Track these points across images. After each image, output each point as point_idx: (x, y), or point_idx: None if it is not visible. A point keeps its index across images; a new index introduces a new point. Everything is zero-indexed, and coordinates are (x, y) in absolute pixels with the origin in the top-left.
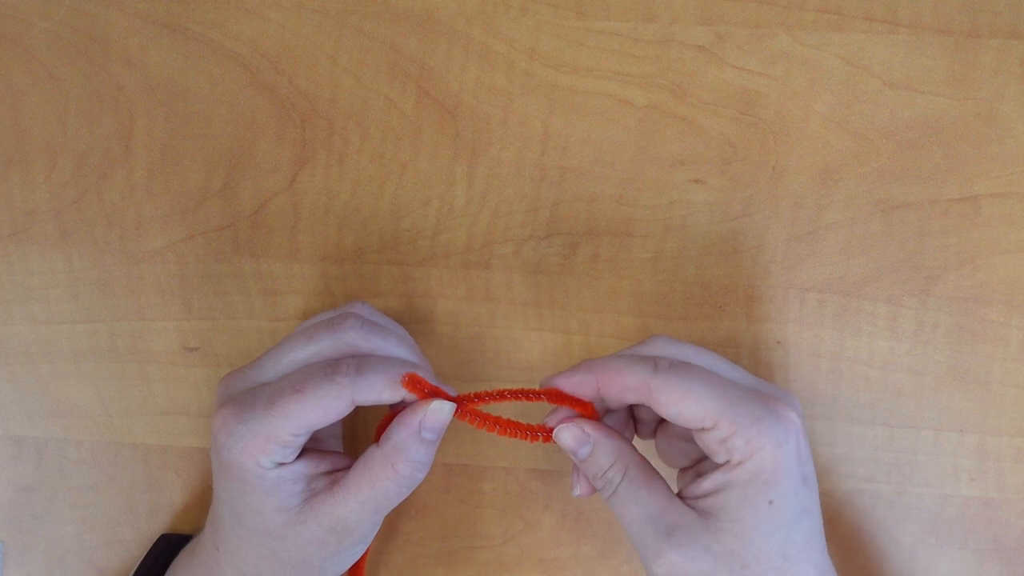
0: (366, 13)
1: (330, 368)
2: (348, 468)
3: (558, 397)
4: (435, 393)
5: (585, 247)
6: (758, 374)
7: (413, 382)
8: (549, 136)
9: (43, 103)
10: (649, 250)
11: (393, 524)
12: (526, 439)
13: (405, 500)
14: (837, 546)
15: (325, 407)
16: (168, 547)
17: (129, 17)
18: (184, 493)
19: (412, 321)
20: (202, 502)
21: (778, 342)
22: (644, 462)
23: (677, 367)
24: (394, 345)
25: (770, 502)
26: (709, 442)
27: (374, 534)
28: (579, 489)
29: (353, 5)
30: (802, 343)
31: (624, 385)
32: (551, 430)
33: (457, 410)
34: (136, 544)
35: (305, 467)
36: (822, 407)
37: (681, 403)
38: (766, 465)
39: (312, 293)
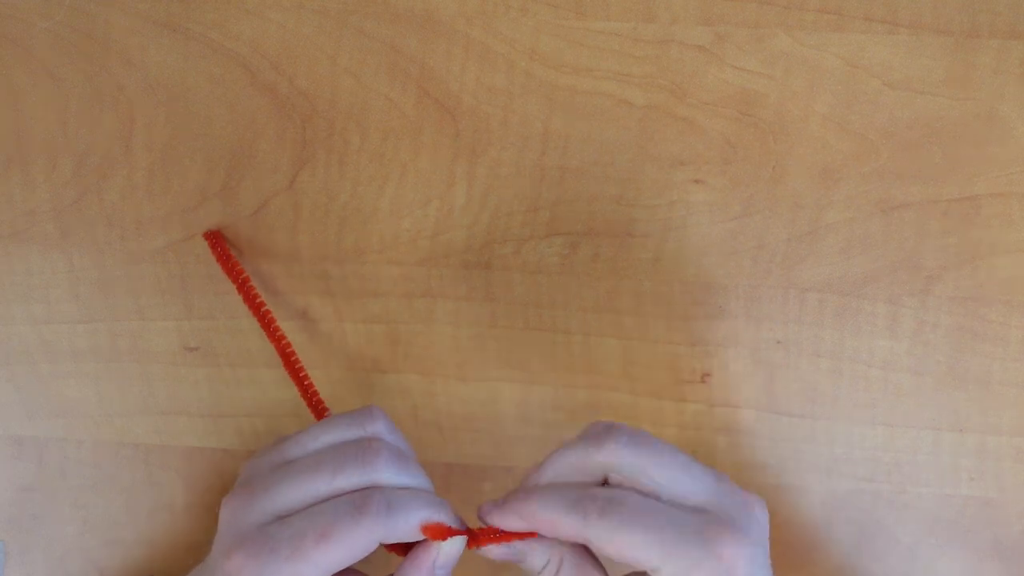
0: (366, 13)
1: (358, 506)
2: None
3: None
4: (451, 532)
5: (585, 247)
6: (758, 374)
7: (435, 532)
8: (549, 136)
9: (43, 103)
10: (649, 250)
11: None
12: None
13: None
14: (837, 546)
15: (351, 549)
16: None
17: (129, 17)
18: (184, 493)
19: (412, 321)
20: (202, 502)
21: (778, 342)
22: (583, 552)
23: (609, 512)
24: (421, 478)
25: None
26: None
27: None
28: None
29: (353, 5)
30: (802, 343)
31: (558, 533)
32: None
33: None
34: (136, 544)
35: None
36: (822, 407)
37: (620, 551)
38: None
39: (312, 293)
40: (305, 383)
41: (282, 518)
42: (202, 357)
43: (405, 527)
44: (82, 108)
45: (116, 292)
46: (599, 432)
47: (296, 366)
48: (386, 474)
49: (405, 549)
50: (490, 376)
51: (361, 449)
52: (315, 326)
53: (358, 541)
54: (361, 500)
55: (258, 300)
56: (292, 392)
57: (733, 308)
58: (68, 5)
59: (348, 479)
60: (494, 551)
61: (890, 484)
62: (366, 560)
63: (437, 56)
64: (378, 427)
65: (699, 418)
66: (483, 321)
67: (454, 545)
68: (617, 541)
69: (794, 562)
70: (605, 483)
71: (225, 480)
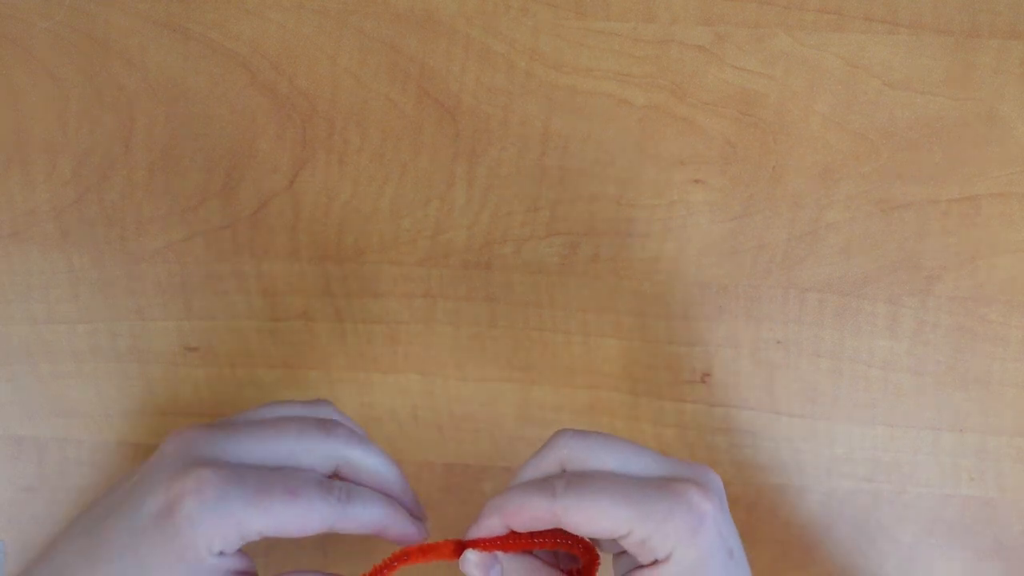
0: (366, 13)
1: (324, 485)
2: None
3: (557, 536)
4: (430, 550)
5: (585, 247)
6: (758, 374)
7: (414, 555)
8: (549, 136)
9: (43, 103)
10: (649, 250)
11: None
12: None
13: None
14: (837, 546)
15: (308, 521)
16: None
17: (129, 17)
18: None
19: (412, 321)
20: None
21: (778, 342)
22: (550, 569)
23: (575, 485)
24: (385, 459)
25: None
26: (629, 546)
27: None
28: None
29: (353, 5)
30: (802, 343)
31: (529, 516)
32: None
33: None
34: None
35: (237, 563)
36: (822, 407)
37: (589, 520)
38: (689, 555)
39: (312, 293)
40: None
41: (252, 468)
42: (202, 357)
43: (359, 520)
44: (82, 108)
45: (116, 292)
46: (550, 437)
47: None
48: (354, 452)
49: (423, 554)
50: (490, 376)
51: (322, 421)
52: (315, 326)
53: (317, 515)
54: (328, 483)
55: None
56: (292, 392)
57: (733, 308)
58: (68, 5)
59: (312, 443)
60: (471, 557)
61: (890, 484)
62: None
63: (437, 56)
64: (331, 412)
65: (699, 418)
66: (483, 321)
67: (470, 557)
68: (585, 509)
69: (794, 562)
70: None
71: None
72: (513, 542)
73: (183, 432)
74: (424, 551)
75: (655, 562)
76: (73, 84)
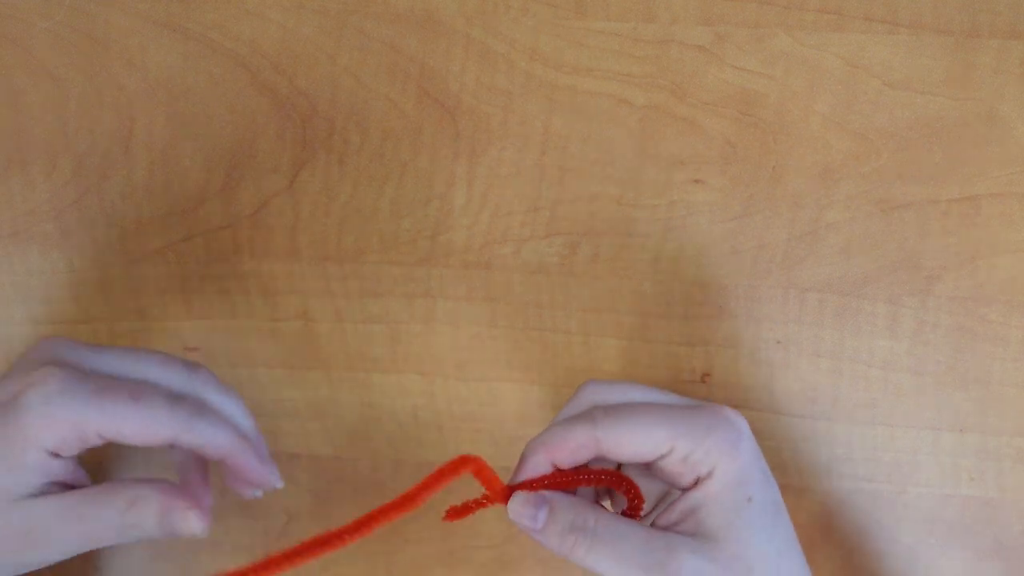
0: (366, 13)
1: (174, 398)
2: (81, 487)
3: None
4: (476, 503)
5: (585, 247)
6: (758, 374)
7: (458, 512)
8: (549, 136)
9: (43, 103)
10: (649, 250)
11: (393, 524)
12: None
13: None
14: (837, 546)
15: (148, 428)
16: None
17: (129, 17)
18: None
19: (412, 321)
20: None
21: (778, 342)
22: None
23: (614, 411)
24: (239, 410)
25: (749, 499)
26: (671, 467)
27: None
28: None
29: (353, 5)
30: (802, 343)
31: (573, 447)
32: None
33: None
34: (136, 544)
35: (65, 469)
36: (822, 407)
37: (632, 441)
38: (733, 468)
39: (312, 293)
40: None
41: (101, 375)
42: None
43: (205, 436)
44: (82, 108)
45: (116, 292)
46: (577, 389)
47: None
48: (211, 393)
49: (460, 514)
50: (490, 376)
51: (189, 361)
52: (315, 326)
53: (158, 422)
54: (178, 397)
55: None
56: (292, 392)
57: (733, 308)
58: (68, 5)
59: (172, 373)
60: (517, 499)
61: (890, 484)
62: None
63: (437, 56)
64: (203, 372)
65: None
66: (483, 321)
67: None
68: (627, 431)
69: None
70: None
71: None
72: (559, 480)
73: (52, 338)
74: (468, 506)
75: (697, 481)
76: (73, 84)
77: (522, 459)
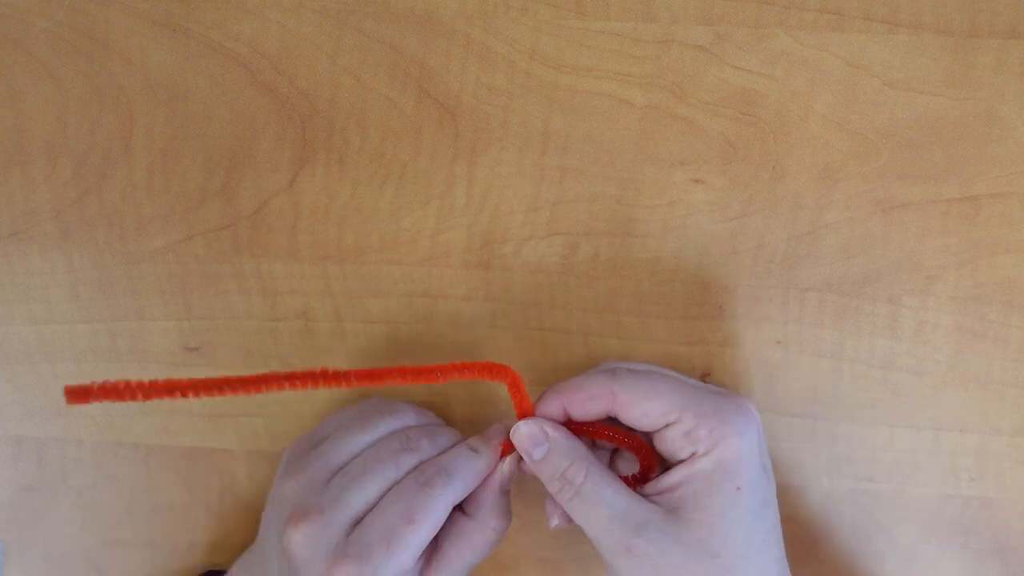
0: (366, 13)
1: (423, 483)
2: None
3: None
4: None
5: (585, 247)
6: (758, 374)
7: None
8: (549, 136)
9: (43, 103)
10: (649, 250)
11: None
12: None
13: None
14: (837, 546)
15: (435, 521)
16: None
17: (129, 17)
18: (184, 493)
19: (412, 321)
20: (203, 501)
21: (778, 342)
22: (603, 464)
23: (635, 372)
24: (446, 432)
25: (737, 488)
26: (673, 437)
27: None
28: (556, 519)
29: (353, 5)
30: (802, 343)
31: (588, 395)
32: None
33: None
34: (136, 544)
35: (417, 564)
36: (822, 407)
37: (645, 401)
38: (731, 453)
39: (312, 293)
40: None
41: (357, 522)
42: (202, 357)
43: (464, 484)
44: (82, 108)
45: (116, 292)
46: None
47: None
48: (427, 452)
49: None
50: None
51: (405, 438)
52: (315, 326)
53: (438, 512)
54: (424, 478)
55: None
56: (292, 392)
57: (733, 308)
58: (68, 5)
59: (405, 465)
60: (522, 429)
61: (890, 484)
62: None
63: (437, 56)
64: (405, 412)
65: None
66: (483, 321)
67: (513, 461)
68: (643, 389)
69: (794, 561)
70: None
71: (224, 480)
72: (584, 427)
73: (298, 530)
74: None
75: (693, 455)
76: (73, 84)
77: (538, 403)
